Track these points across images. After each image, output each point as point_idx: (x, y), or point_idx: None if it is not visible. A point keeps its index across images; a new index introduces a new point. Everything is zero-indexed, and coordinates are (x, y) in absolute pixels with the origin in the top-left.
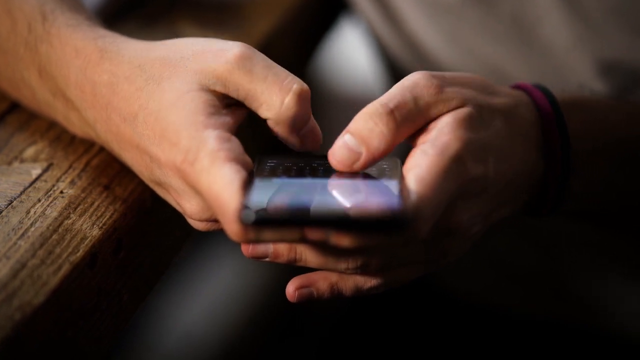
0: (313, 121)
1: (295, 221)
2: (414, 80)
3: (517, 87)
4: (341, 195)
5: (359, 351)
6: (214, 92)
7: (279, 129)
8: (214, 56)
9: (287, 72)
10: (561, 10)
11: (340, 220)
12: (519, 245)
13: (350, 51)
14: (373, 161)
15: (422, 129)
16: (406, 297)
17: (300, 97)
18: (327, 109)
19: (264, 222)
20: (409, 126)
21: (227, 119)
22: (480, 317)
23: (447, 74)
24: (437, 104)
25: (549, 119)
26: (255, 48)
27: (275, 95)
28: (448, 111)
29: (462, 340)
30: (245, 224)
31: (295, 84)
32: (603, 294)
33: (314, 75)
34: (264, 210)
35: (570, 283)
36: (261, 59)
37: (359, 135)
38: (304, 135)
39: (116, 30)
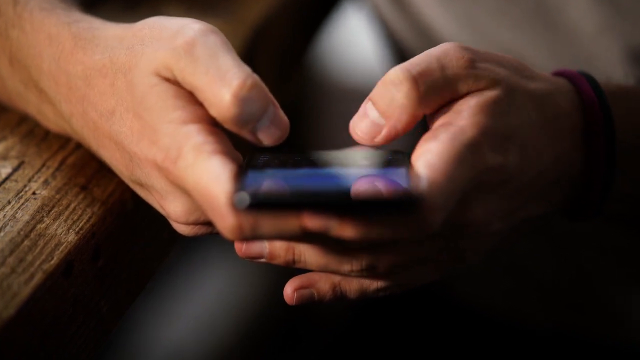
0: (274, 113)
1: (293, 203)
2: (443, 49)
3: (560, 74)
4: (344, 177)
5: None
6: (173, 82)
7: (227, 127)
8: (168, 41)
9: (234, 62)
10: None
11: (344, 201)
12: (539, 248)
13: (353, 37)
14: (396, 135)
15: (441, 108)
16: (414, 305)
17: (239, 96)
18: (328, 100)
19: (259, 205)
20: (433, 98)
21: (205, 110)
22: (494, 328)
23: (481, 50)
24: (467, 78)
25: (592, 109)
26: (249, 34)
27: (213, 93)
28: (476, 90)
29: (473, 353)
30: (238, 208)
31: (235, 79)
32: (634, 306)
33: (314, 64)
34: (259, 192)
35: (595, 294)
36: (208, 46)
37: (379, 105)
38: (260, 130)
39: (99, 13)
